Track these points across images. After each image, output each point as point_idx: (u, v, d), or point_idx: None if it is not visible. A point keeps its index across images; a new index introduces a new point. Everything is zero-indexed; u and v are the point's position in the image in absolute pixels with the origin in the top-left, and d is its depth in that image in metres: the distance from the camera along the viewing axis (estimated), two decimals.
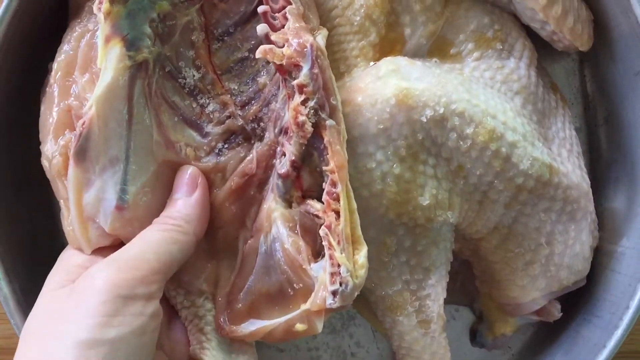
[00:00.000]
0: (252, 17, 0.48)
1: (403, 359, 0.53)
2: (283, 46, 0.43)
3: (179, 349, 0.48)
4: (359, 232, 0.43)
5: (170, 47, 0.47)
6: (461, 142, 0.47)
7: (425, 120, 0.46)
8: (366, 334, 0.59)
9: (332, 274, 0.41)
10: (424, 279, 0.51)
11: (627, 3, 0.49)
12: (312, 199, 0.45)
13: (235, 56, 0.49)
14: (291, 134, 0.44)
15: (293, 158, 0.44)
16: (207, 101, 0.48)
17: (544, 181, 0.49)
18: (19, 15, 0.48)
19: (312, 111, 0.43)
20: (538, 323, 0.58)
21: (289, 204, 0.45)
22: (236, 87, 0.49)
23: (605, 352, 0.49)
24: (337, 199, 0.43)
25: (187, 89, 0.48)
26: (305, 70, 0.42)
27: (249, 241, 0.47)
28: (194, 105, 0.48)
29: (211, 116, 0.48)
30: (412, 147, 0.47)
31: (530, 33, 0.53)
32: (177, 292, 0.48)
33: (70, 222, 0.46)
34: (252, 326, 0.45)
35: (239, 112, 0.48)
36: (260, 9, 0.44)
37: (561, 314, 0.55)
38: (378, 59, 0.49)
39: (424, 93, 0.46)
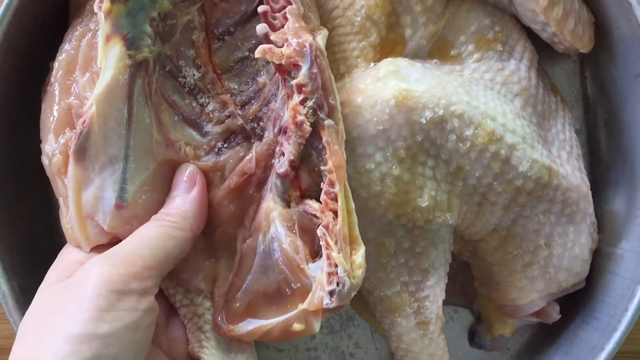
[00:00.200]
0: (253, 16, 0.48)
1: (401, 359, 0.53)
2: (282, 46, 0.43)
3: (177, 347, 0.48)
4: (357, 232, 0.43)
5: (171, 46, 0.47)
6: (460, 144, 0.47)
7: (424, 121, 0.46)
8: (365, 335, 0.59)
9: (330, 274, 0.41)
10: (422, 280, 0.51)
11: (628, 5, 0.49)
12: (311, 199, 0.45)
13: (235, 55, 0.49)
14: (290, 134, 0.44)
15: (292, 158, 0.44)
16: (207, 100, 0.48)
17: (543, 183, 0.49)
18: (19, 13, 0.48)
19: (311, 111, 0.43)
20: (537, 325, 0.58)
21: (287, 203, 0.46)
22: (236, 87, 0.49)
23: (604, 355, 0.49)
24: (335, 199, 0.43)
25: (187, 88, 0.48)
26: (304, 70, 0.42)
27: (247, 240, 0.47)
28: (194, 104, 0.48)
29: (211, 115, 0.48)
30: (411, 148, 0.47)
31: (531, 35, 0.53)
32: (176, 290, 0.48)
33: (69, 220, 0.46)
34: (249, 325, 0.45)
35: (239, 112, 0.48)
36: (261, 8, 0.44)
37: (560, 315, 0.55)
38: (378, 60, 0.49)
39: (424, 95, 0.46)
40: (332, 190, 0.43)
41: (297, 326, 0.43)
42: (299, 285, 0.44)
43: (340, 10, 0.49)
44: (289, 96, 0.44)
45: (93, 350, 0.37)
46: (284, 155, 0.45)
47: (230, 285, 0.47)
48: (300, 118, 0.43)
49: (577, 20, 0.51)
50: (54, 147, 0.46)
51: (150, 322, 0.42)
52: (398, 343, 0.53)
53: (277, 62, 0.43)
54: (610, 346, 0.49)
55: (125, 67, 0.44)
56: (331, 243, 0.42)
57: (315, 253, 0.44)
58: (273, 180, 0.46)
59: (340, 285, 0.41)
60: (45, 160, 0.47)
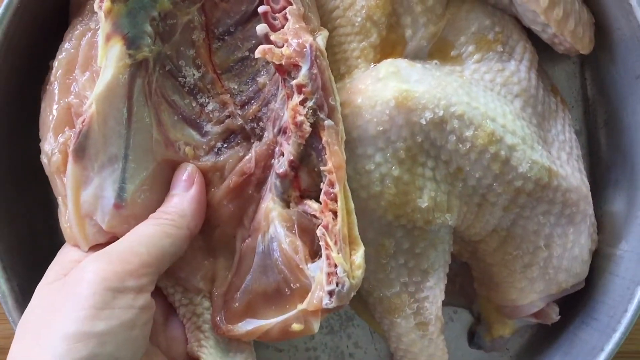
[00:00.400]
0: (253, 16, 0.48)
1: None
2: (283, 46, 0.43)
3: (176, 347, 0.48)
4: (356, 232, 0.43)
5: (171, 46, 0.47)
6: (460, 145, 0.47)
7: (424, 122, 0.46)
8: (364, 335, 0.59)
9: (329, 274, 0.41)
10: (422, 281, 0.51)
11: (628, 6, 0.49)
12: (310, 199, 0.45)
13: (235, 56, 0.49)
14: (290, 134, 0.44)
15: (291, 158, 0.44)
16: (207, 100, 0.48)
17: (543, 184, 0.49)
18: (20, 13, 0.48)
19: (311, 111, 0.43)
20: (536, 325, 0.58)
21: (287, 203, 0.46)
22: (236, 87, 0.49)
23: (603, 355, 0.49)
24: (335, 199, 0.43)
25: (187, 88, 0.48)
26: (304, 70, 0.42)
27: (247, 240, 0.47)
28: (194, 104, 0.48)
29: (211, 115, 0.48)
30: (411, 149, 0.47)
31: (531, 36, 0.53)
32: (175, 290, 0.48)
33: (67, 219, 0.46)
34: (248, 325, 0.45)
35: (239, 112, 0.48)
36: (261, 9, 0.44)
37: (559, 316, 0.55)
38: (379, 60, 0.49)
39: (424, 95, 0.46)
40: (331, 190, 0.43)
41: (296, 326, 0.43)
42: (298, 285, 0.44)
43: (341, 11, 0.49)
44: (289, 96, 0.44)
45: (89, 349, 0.37)
46: (283, 155, 0.45)
47: (229, 285, 0.47)
48: (300, 118, 0.43)
49: (577, 21, 0.51)
50: (53, 146, 0.46)
51: (146, 320, 0.41)
52: (397, 344, 0.53)
53: (277, 63, 0.43)
54: (609, 347, 0.49)
55: (125, 66, 0.44)
56: (331, 243, 0.42)
57: (314, 253, 0.44)
58: (272, 181, 0.46)
59: (340, 286, 0.41)
60: (44, 159, 0.47)
